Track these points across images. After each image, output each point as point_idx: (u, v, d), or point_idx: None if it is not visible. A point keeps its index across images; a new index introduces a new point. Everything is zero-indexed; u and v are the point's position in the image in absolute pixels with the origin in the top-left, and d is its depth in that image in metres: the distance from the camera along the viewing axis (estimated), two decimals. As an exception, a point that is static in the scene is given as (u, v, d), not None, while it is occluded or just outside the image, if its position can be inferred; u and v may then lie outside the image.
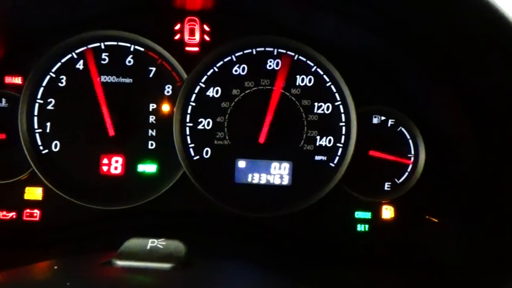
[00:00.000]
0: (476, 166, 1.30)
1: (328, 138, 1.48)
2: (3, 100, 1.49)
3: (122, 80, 1.48)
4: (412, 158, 1.48)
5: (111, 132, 1.46)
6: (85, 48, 1.48)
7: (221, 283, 0.88)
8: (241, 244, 1.40)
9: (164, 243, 0.91)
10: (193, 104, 1.47)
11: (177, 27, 1.47)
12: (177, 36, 1.47)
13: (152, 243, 0.92)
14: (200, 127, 1.48)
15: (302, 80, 1.47)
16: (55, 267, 0.89)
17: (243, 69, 1.47)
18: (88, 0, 1.38)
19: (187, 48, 1.48)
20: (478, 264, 1.16)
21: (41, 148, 1.48)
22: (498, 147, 1.15)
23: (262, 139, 1.44)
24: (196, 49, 1.48)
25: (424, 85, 1.39)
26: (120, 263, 0.86)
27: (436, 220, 1.43)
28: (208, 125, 1.48)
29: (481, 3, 0.84)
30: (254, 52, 1.47)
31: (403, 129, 1.48)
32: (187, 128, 1.48)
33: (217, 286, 0.86)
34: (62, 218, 1.50)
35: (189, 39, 1.47)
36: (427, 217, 1.45)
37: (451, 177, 1.42)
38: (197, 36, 1.47)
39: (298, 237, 1.47)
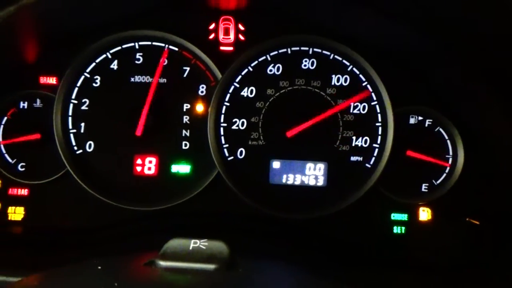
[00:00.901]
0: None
1: (364, 138, 1.46)
2: (38, 100, 1.50)
3: (156, 80, 1.47)
4: (451, 159, 1.45)
5: (145, 133, 1.45)
6: (119, 48, 1.47)
7: (266, 284, 0.87)
8: (276, 246, 1.38)
9: (206, 243, 0.90)
10: (227, 104, 1.46)
11: (212, 26, 1.46)
12: (212, 36, 1.46)
13: (194, 243, 0.90)
14: (234, 127, 1.47)
15: (338, 79, 1.45)
16: (99, 267, 0.88)
17: (278, 69, 1.46)
18: (122, 0, 1.37)
19: (222, 48, 1.47)
20: None
21: (75, 148, 1.48)
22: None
23: (291, 135, 1.43)
24: (231, 48, 1.47)
25: (463, 85, 1.36)
26: (163, 263, 0.85)
27: (477, 223, 1.40)
28: (242, 125, 1.47)
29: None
30: (289, 52, 1.46)
31: (441, 129, 1.46)
32: (221, 129, 1.47)
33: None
34: (95, 219, 1.49)
35: (223, 38, 1.46)
36: (467, 219, 1.41)
37: (491, 179, 1.39)
38: (231, 36, 1.46)
39: (333, 239, 1.45)
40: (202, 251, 0.88)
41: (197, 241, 0.90)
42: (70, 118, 1.48)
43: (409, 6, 1.12)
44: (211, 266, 0.84)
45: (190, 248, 0.89)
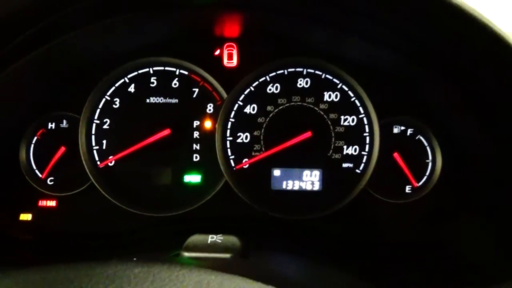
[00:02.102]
0: (489, 168, 1.46)
1: (354, 147, 1.65)
2: (64, 121, 1.68)
3: (169, 100, 1.66)
4: (430, 164, 1.64)
5: (160, 147, 1.64)
6: (136, 73, 1.66)
7: (273, 270, 1.06)
8: (280, 242, 1.57)
9: (222, 238, 1.09)
10: (233, 120, 1.65)
11: (217, 52, 1.65)
12: (217, 60, 1.65)
13: (211, 238, 1.10)
14: (239, 140, 1.66)
15: (329, 96, 1.65)
16: (134, 259, 1.06)
17: (277, 88, 1.65)
18: (139, 33, 1.56)
19: (226, 71, 1.66)
20: (497, 257, 1.32)
21: (98, 163, 1.67)
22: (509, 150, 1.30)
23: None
24: (234, 71, 1.65)
25: (442, 98, 1.54)
26: (187, 254, 1.04)
27: (459, 218, 1.59)
28: (246, 138, 1.66)
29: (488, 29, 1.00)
30: (286, 73, 1.65)
31: (421, 137, 1.65)
32: (228, 142, 1.66)
33: (272, 272, 1.04)
34: (118, 225, 1.67)
35: (227, 62, 1.65)
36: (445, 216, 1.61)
37: (468, 181, 1.58)
38: (234, 60, 1.65)
39: (331, 236, 1.64)
40: (219, 244, 1.08)
41: (214, 236, 1.10)
42: (93, 136, 1.67)
43: (394, 37, 1.30)
44: (227, 255, 1.03)
45: (208, 241, 1.09)
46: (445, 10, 0.98)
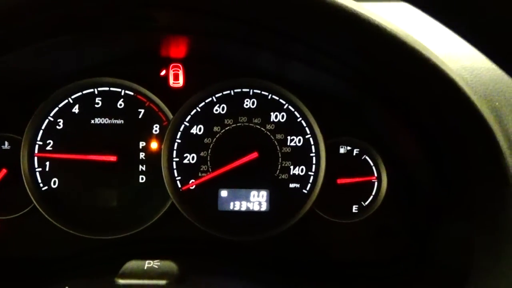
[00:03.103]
0: (431, 189, 1.49)
1: (301, 167, 1.65)
2: (6, 142, 1.64)
3: (114, 121, 1.64)
4: (376, 183, 1.66)
5: (104, 169, 1.62)
6: (80, 93, 1.64)
7: None
8: (226, 265, 1.56)
9: (159, 263, 1.08)
10: (179, 141, 1.64)
11: (163, 73, 1.64)
12: (162, 81, 1.64)
13: (148, 263, 1.09)
14: (185, 161, 1.65)
15: (276, 116, 1.65)
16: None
17: (223, 108, 1.65)
18: (83, 54, 1.54)
19: (172, 91, 1.65)
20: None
21: (41, 185, 1.63)
22: (448, 171, 1.32)
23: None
24: (180, 92, 1.65)
25: (384, 119, 1.57)
26: (121, 281, 1.02)
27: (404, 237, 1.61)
28: (193, 159, 1.65)
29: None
30: (232, 93, 1.65)
31: (367, 157, 1.67)
32: (174, 163, 1.64)
33: None
34: (62, 249, 1.64)
35: (173, 83, 1.65)
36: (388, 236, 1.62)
37: (412, 199, 1.60)
38: (180, 80, 1.65)
39: (278, 257, 1.64)
40: (155, 269, 1.07)
41: (151, 261, 1.09)
42: (35, 158, 1.63)
43: (331, 62, 1.32)
44: (163, 282, 1.02)
45: (145, 267, 1.08)
46: (366, 35, 0.98)
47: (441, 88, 1.02)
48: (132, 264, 1.08)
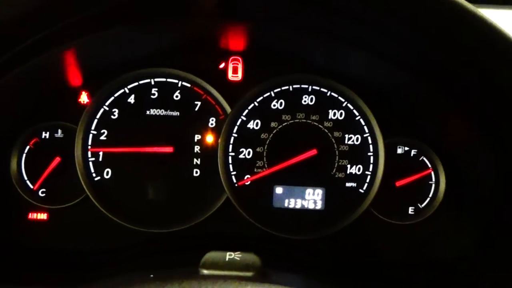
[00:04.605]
0: (492, 193, 1.46)
1: (358, 166, 1.62)
2: (59, 131, 1.61)
3: (169, 113, 1.61)
4: (433, 185, 1.63)
5: (159, 161, 1.59)
6: (136, 84, 1.61)
7: None
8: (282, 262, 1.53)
9: (240, 255, 1.05)
10: (235, 135, 1.61)
11: (222, 65, 1.61)
12: (221, 73, 1.61)
13: (229, 255, 1.06)
14: (241, 156, 1.62)
15: (334, 114, 1.62)
16: (151, 276, 1.02)
17: (281, 104, 1.62)
18: (141, 42, 1.51)
19: (230, 85, 1.62)
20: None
21: (94, 175, 1.60)
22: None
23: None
24: (238, 85, 1.62)
25: (446, 119, 1.54)
26: (206, 271, 0.99)
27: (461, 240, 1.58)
28: (248, 154, 1.62)
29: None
30: (291, 89, 1.62)
31: (424, 158, 1.64)
32: (230, 157, 1.61)
33: None
34: (112, 241, 1.61)
35: (232, 76, 1.62)
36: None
37: (471, 204, 1.57)
38: (239, 74, 1.62)
39: (333, 257, 1.61)
40: (238, 261, 1.03)
41: (232, 253, 1.05)
42: (89, 147, 1.60)
43: (399, 49, 1.28)
44: (248, 274, 0.99)
45: (227, 259, 1.04)
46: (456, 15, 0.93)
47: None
48: (213, 255, 1.05)
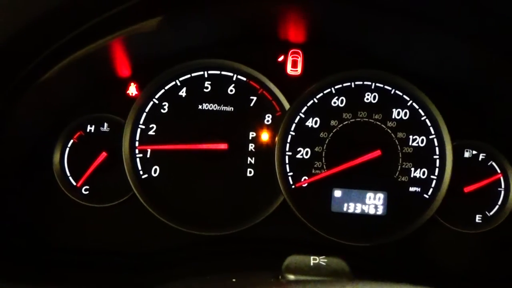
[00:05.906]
0: None
1: (423, 170, 1.52)
2: (105, 124, 1.51)
3: (223, 108, 1.51)
4: (503, 192, 1.52)
5: (210, 159, 1.49)
6: (188, 76, 1.51)
7: None
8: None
9: (326, 260, 0.95)
10: (293, 133, 1.51)
11: (281, 58, 1.51)
12: (280, 67, 1.51)
13: (314, 259, 0.95)
14: (298, 156, 1.52)
15: (398, 113, 1.52)
16: (233, 280, 0.92)
17: (342, 101, 1.52)
18: (194, 31, 1.41)
19: (289, 79, 1.51)
20: None
21: (141, 172, 1.50)
22: None
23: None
24: (298, 80, 1.52)
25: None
26: (292, 277, 0.89)
27: None
28: (306, 154, 1.52)
29: None
30: (353, 86, 1.52)
31: (493, 163, 1.53)
32: (286, 157, 1.51)
33: None
34: (158, 242, 1.50)
35: (291, 70, 1.52)
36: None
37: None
38: (299, 68, 1.52)
39: (394, 266, 1.50)
40: (324, 266, 0.93)
41: (316, 257, 0.95)
42: (137, 143, 1.50)
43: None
44: (337, 280, 0.88)
45: (311, 264, 0.94)
46: None
47: None
48: (296, 259, 0.95)
